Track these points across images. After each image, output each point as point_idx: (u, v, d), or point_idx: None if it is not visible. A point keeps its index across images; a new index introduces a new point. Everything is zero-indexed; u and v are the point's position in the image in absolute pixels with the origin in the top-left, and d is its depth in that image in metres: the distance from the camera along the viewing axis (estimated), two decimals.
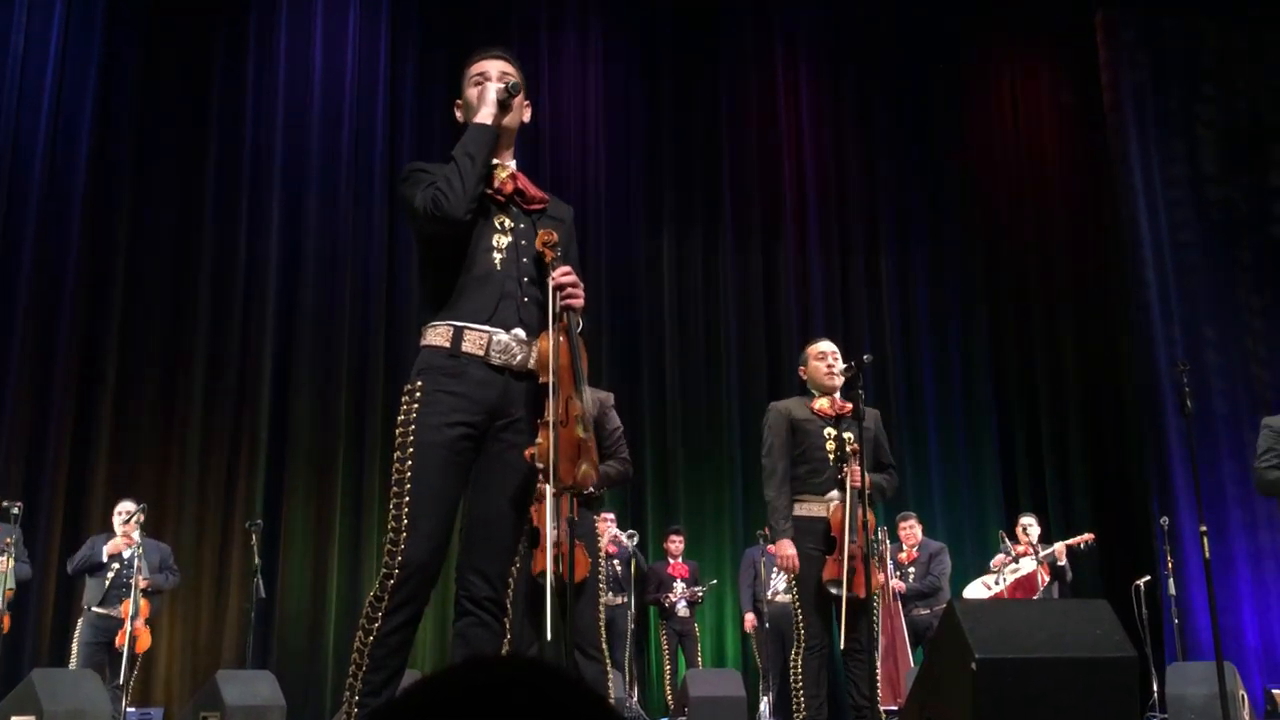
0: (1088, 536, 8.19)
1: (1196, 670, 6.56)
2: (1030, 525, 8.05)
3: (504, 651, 2.68)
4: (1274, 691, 8.26)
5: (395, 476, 2.59)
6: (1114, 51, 11.02)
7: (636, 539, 8.19)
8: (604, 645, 4.34)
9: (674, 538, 8.80)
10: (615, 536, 7.57)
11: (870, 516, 4.38)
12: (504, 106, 2.73)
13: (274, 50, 9.39)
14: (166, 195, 8.94)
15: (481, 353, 2.63)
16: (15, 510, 6.56)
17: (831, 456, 4.56)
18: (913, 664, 7.68)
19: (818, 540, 4.49)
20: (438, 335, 2.66)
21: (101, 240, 8.64)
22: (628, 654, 7.93)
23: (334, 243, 9.23)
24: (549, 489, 2.67)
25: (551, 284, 2.67)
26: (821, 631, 4.45)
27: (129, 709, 6.65)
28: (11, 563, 6.48)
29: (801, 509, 4.54)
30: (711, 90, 10.85)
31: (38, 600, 7.69)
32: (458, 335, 2.64)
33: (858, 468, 4.43)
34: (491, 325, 2.65)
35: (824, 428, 4.61)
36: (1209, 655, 7.03)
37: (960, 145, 11.31)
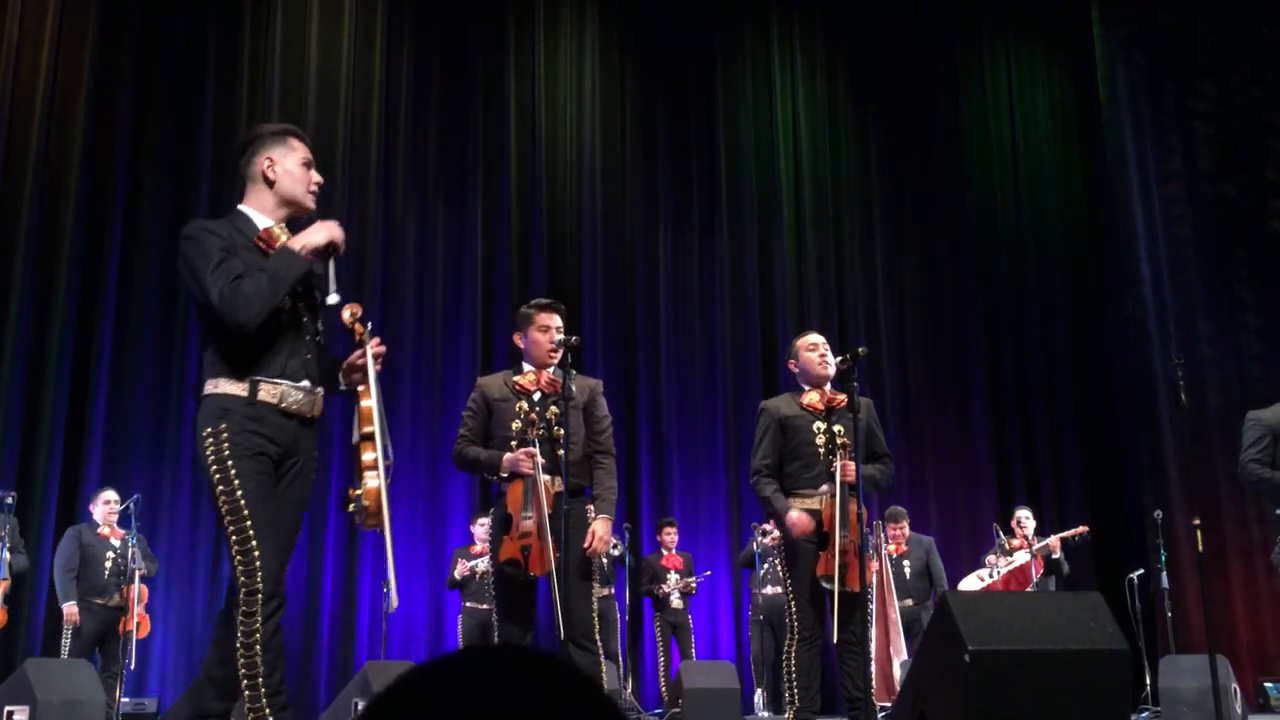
0: (1082, 529, 8.21)
1: (1189, 663, 6.55)
2: (1026, 518, 8.06)
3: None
4: (1266, 684, 8.30)
5: (228, 506, 2.82)
6: (1110, 47, 11.01)
7: (622, 540, 8.13)
8: (598, 637, 4.33)
9: (668, 529, 8.80)
10: None
11: (862, 510, 4.36)
12: (321, 253, 3.09)
13: (269, 41, 9.35)
14: (161, 187, 8.90)
15: (276, 402, 2.93)
16: (9, 500, 6.53)
17: (822, 451, 4.54)
18: (905, 656, 7.70)
19: (811, 533, 4.48)
20: (235, 386, 2.91)
21: (96, 232, 8.61)
22: (617, 645, 7.92)
23: None
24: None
25: (371, 352, 3.11)
26: (815, 623, 4.44)
27: (123, 699, 6.64)
28: (8, 554, 6.45)
29: (795, 503, 4.53)
30: (707, 84, 10.84)
31: (31, 591, 7.68)
32: (254, 387, 2.91)
33: (849, 462, 4.42)
34: (283, 379, 2.95)
35: (813, 422, 4.57)
36: (1201, 648, 7.05)
37: (956, 139, 11.32)
